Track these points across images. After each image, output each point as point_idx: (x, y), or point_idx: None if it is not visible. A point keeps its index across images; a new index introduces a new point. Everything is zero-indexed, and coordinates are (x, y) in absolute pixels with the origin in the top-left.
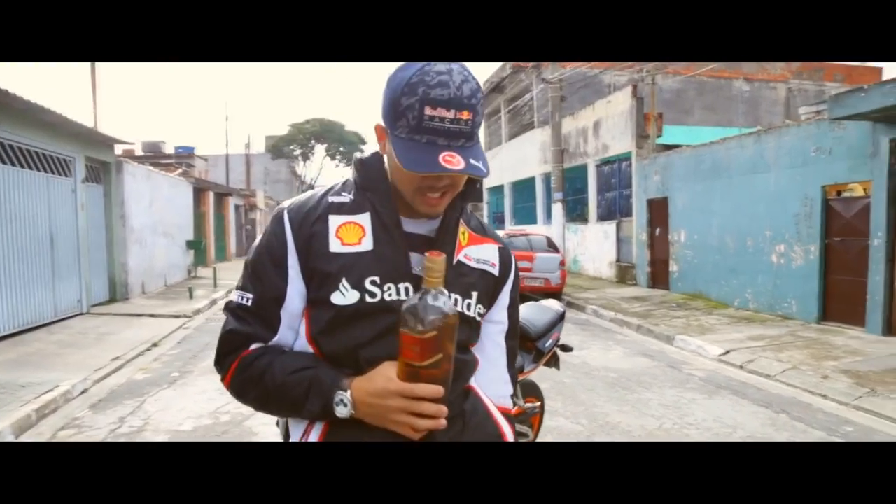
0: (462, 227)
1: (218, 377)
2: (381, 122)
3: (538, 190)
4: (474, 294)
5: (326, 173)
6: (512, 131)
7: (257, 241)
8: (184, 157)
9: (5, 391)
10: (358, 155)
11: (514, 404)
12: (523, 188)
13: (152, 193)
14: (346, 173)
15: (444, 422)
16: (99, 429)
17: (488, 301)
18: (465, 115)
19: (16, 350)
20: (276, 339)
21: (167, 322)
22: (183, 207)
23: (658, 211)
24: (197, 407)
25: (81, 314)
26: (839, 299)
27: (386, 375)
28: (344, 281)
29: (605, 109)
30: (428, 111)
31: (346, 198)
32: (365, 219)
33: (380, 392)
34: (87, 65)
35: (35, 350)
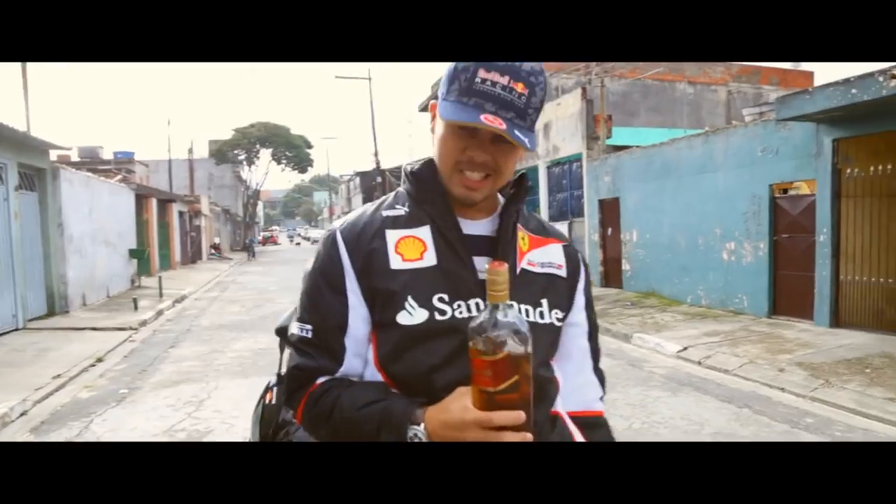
0: (521, 232)
1: (168, 391)
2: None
3: None
4: (545, 301)
5: (272, 178)
6: None
7: (309, 266)
8: (123, 162)
9: None
10: (408, 167)
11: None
12: None
13: (91, 201)
14: (293, 178)
15: None
16: None
17: (564, 304)
18: (521, 87)
19: None
20: (342, 370)
21: (111, 335)
22: (124, 215)
23: (609, 211)
24: (149, 425)
25: (17, 329)
26: (788, 294)
27: (462, 404)
28: (410, 299)
29: (554, 112)
30: (481, 73)
31: (400, 210)
32: (425, 232)
33: (456, 423)
34: (17, 66)
35: None
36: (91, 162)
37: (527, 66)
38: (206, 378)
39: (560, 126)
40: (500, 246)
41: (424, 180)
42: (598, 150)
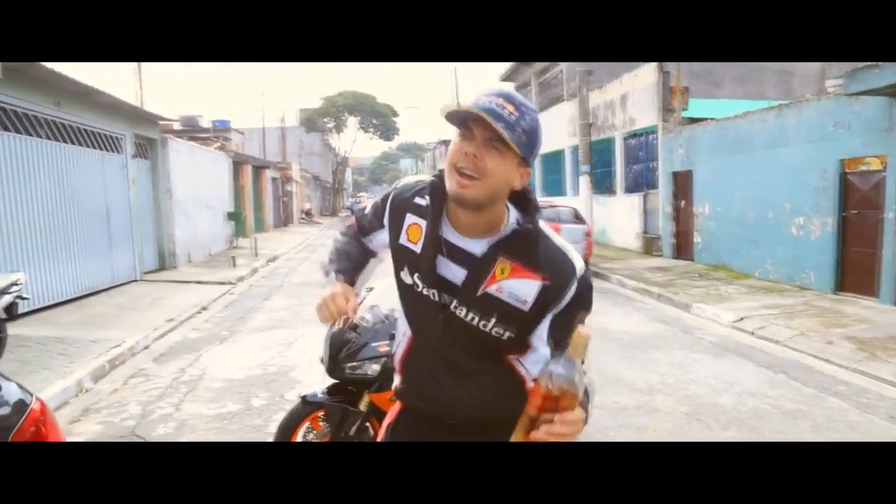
0: (503, 264)
1: (263, 335)
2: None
3: (567, 162)
4: (493, 319)
5: (360, 145)
6: (541, 104)
7: (377, 198)
8: (220, 130)
9: (80, 346)
10: (438, 175)
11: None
12: (552, 161)
13: (194, 167)
14: (380, 145)
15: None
16: (163, 377)
17: (515, 327)
18: (511, 108)
19: (81, 312)
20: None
21: (213, 288)
22: (222, 181)
23: (682, 183)
24: (247, 360)
25: (135, 281)
26: (854, 270)
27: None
28: (405, 267)
29: (631, 83)
30: (482, 97)
31: (424, 202)
32: (425, 225)
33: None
34: None
35: (98, 312)
36: (192, 130)
37: (520, 97)
38: (295, 325)
39: (636, 98)
40: (474, 270)
41: (437, 189)
42: (673, 122)
